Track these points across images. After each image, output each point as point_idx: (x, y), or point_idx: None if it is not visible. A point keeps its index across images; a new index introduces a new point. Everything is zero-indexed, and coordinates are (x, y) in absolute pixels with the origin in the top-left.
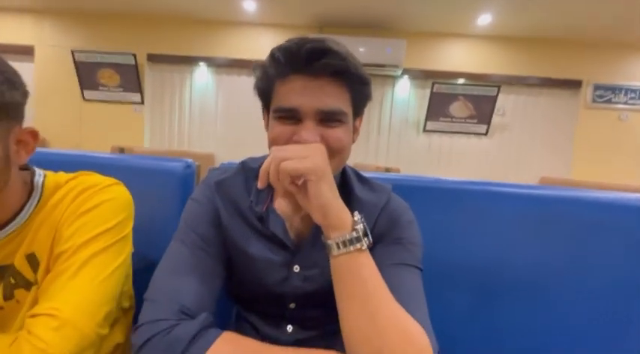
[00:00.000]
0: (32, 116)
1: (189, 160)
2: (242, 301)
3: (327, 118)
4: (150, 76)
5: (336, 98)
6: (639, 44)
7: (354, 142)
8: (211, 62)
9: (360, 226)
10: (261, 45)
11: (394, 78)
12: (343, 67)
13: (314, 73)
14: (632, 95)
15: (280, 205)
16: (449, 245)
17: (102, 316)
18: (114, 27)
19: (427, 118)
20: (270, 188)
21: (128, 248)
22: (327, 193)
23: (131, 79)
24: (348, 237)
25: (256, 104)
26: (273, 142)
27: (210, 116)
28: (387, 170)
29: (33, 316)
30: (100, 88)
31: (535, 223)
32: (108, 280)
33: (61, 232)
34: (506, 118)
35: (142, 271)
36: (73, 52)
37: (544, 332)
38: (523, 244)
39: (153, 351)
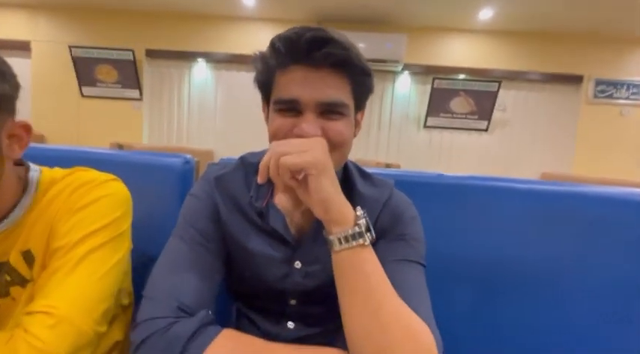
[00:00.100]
0: (29, 113)
1: (188, 156)
2: (242, 298)
3: (328, 111)
4: (148, 71)
5: (337, 90)
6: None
7: (355, 136)
8: (210, 58)
9: (362, 221)
10: (260, 40)
11: (394, 73)
12: (345, 57)
13: (315, 64)
14: (634, 90)
15: (281, 200)
16: (451, 241)
17: (100, 313)
18: (111, 22)
19: (428, 114)
20: (270, 183)
21: (126, 245)
22: (329, 188)
23: (129, 75)
24: (350, 232)
25: (256, 100)
26: (273, 136)
27: (210, 112)
28: (388, 166)
29: (29, 313)
30: (98, 84)
31: (538, 218)
32: (106, 277)
33: (57, 228)
34: (507, 114)
35: (141, 267)
36: (70, 48)
37: (547, 328)
38: (526, 239)
39: (152, 349)
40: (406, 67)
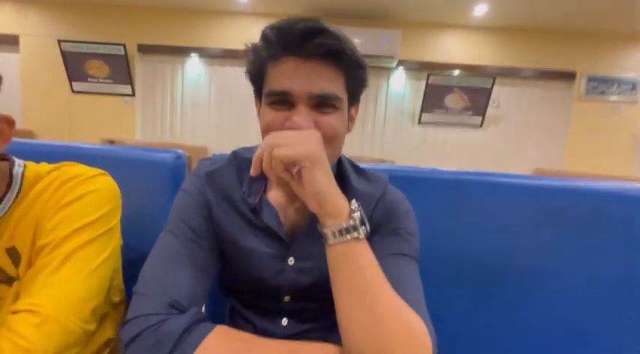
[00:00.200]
0: (19, 108)
1: (180, 151)
2: (236, 295)
3: (321, 104)
4: (140, 67)
5: (330, 82)
6: (632, 35)
7: (349, 131)
8: (203, 53)
9: (357, 214)
10: (254, 35)
11: (389, 69)
12: (338, 48)
13: (307, 55)
14: (626, 87)
15: (275, 196)
16: (446, 236)
17: (88, 311)
18: (102, 16)
19: (422, 110)
20: (263, 179)
21: (115, 241)
22: (322, 180)
23: (121, 70)
24: (344, 225)
25: (250, 96)
26: (265, 130)
27: (203, 108)
28: (382, 162)
29: (14, 312)
30: (89, 79)
31: (533, 213)
32: (94, 274)
33: (43, 224)
34: (500, 110)
35: (133, 264)
36: (59, 42)
37: (541, 322)
38: (522, 234)
39: (142, 346)
40: (401, 63)
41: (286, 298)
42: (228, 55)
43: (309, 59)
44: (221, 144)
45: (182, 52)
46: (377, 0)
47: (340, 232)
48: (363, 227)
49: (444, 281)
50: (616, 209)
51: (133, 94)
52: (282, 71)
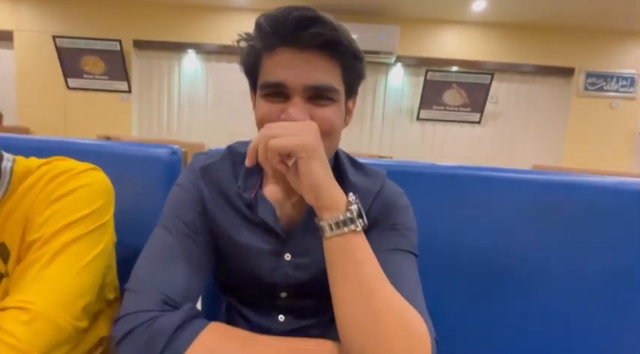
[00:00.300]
0: (14, 105)
1: (175, 147)
2: (232, 292)
3: (317, 96)
4: (137, 63)
5: (326, 73)
6: (630, 32)
7: (346, 124)
8: (200, 49)
9: (354, 207)
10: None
11: (387, 65)
12: (334, 38)
13: (302, 46)
14: (624, 83)
15: (271, 190)
16: (444, 231)
17: (79, 308)
18: (97, 11)
19: (421, 106)
20: (259, 173)
21: (108, 237)
22: (319, 172)
23: (117, 66)
24: (341, 218)
25: (248, 92)
26: (260, 123)
27: (200, 104)
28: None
29: (3, 309)
30: (85, 75)
31: (530, 207)
32: (85, 270)
33: (32, 219)
34: (499, 106)
35: (127, 261)
36: (54, 38)
37: (539, 316)
38: (518, 228)
39: (134, 344)
40: (399, 59)
41: (283, 295)
42: (225, 51)
43: (305, 50)
44: (218, 141)
45: (179, 47)
46: None
47: (337, 224)
48: (360, 220)
49: (441, 275)
50: (612, 203)
51: (130, 91)
52: (277, 62)
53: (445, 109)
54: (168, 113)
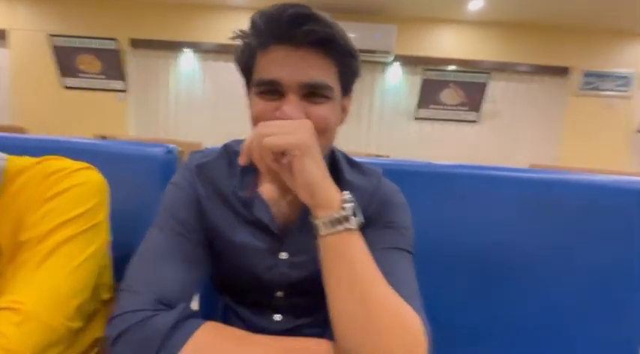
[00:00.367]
0: (10, 105)
1: (171, 145)
2: (228, 291)
3: (312, 93)
4: (133, 62)
5: (321, 70)
6: (626, 31)
7: (342, 122)
8: (198, 48)
9: (349, 205)
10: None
11: (385, 64)
12: (329, 36)
13: (297, 43)
14: (620, 82)
15: (267, 189)
16: (440, 229)
17: (72, 308)
18: (93, 10)
19: (418, 106)
20: (255, 172)
21: (102, 236)
22: (314, 170)
23: (113, 65)
24: (336, 216)
25: (245, 91)
26: (254, 120)
27: (198, 104)
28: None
29: None
30: (80, 74)
31: (527, 206)
32: (78, 270)
33: (25, 219)
34: (496, 105)
35: (123, 261)
36: (50, 37)
37: (536, 314)
38: (515, 227)
39: (128, 344)
40: (396, 58)
41: (279, 294)
42: (222, 50)
43: (300, 47)
44: (216, 140)
45: (176, 46)
46: None
47: (332, 222)
48: (355, 218)
49: (438, 274)
50: (608, 202)
51: (126, 90)
52: (271, 60)
53: (442, 109)
54: (165, 113)
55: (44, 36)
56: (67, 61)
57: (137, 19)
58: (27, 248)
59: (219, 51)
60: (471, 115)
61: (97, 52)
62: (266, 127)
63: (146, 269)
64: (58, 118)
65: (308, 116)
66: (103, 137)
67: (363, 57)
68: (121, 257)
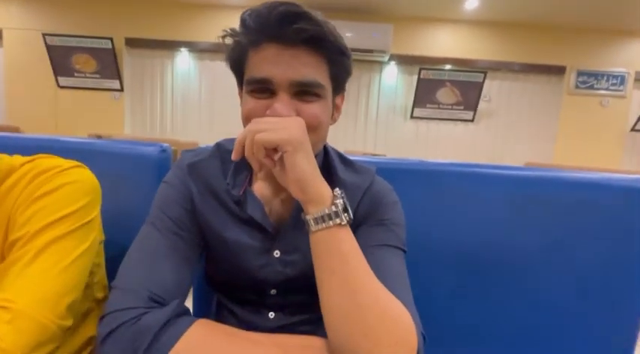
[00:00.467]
0: (3, 104)
1: (165, 145)
2: (221, 289)
3: (303, 92)
4: (129, 61)
5: (312, 68)
6: (621, 31)
7: (334, 121)
8: (193, 47)
9: (339, 201)
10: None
11: (381, 64)
12: (319, 34)
13: (288, 41)
14: (614, 81)
15: (260, 187)
16: (433, 227)
17: (63, 306)
18: (88, 9)
19: (414, 105)
20: (248, 170)
21: (94, 235)
22: (305, 166)
23: (109, 64)
24: (327, 211)
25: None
26: (246, 119)
27: (194, 103)
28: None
29: None
30: (76, 74)
31: (519, 204)
32: (70, 268)
33: (15, 218)
34: (491, 104)
35: (116, 259)
36: (44, 36)
37: (528, 312)
38: (508, 225)
39: (119, 341)
40: (392, 57)
41: (272, 291)
42: (218, 50)
43: (291, 45)
44: (212, 139)
45: (171, 46)
46: None
47: (322, 218)
48: (345, 214)
49: (431, 271)
50: (601, 199)
51: (122, 90)
52: (262, 58)
53: (438, 108)
54: (161, 112)
55: (38, 35)
56: (62, 60)
57: (133, 18)
58: (17, 247)
59: (214, 50)
60: (467, 114)
61: (92, 52)
62: (258, 123)
63: (138, 267)
64: (52, 117)
65: (299, 114)
66: (99, 136)
67: (359, 56)
68: (114, 256)
